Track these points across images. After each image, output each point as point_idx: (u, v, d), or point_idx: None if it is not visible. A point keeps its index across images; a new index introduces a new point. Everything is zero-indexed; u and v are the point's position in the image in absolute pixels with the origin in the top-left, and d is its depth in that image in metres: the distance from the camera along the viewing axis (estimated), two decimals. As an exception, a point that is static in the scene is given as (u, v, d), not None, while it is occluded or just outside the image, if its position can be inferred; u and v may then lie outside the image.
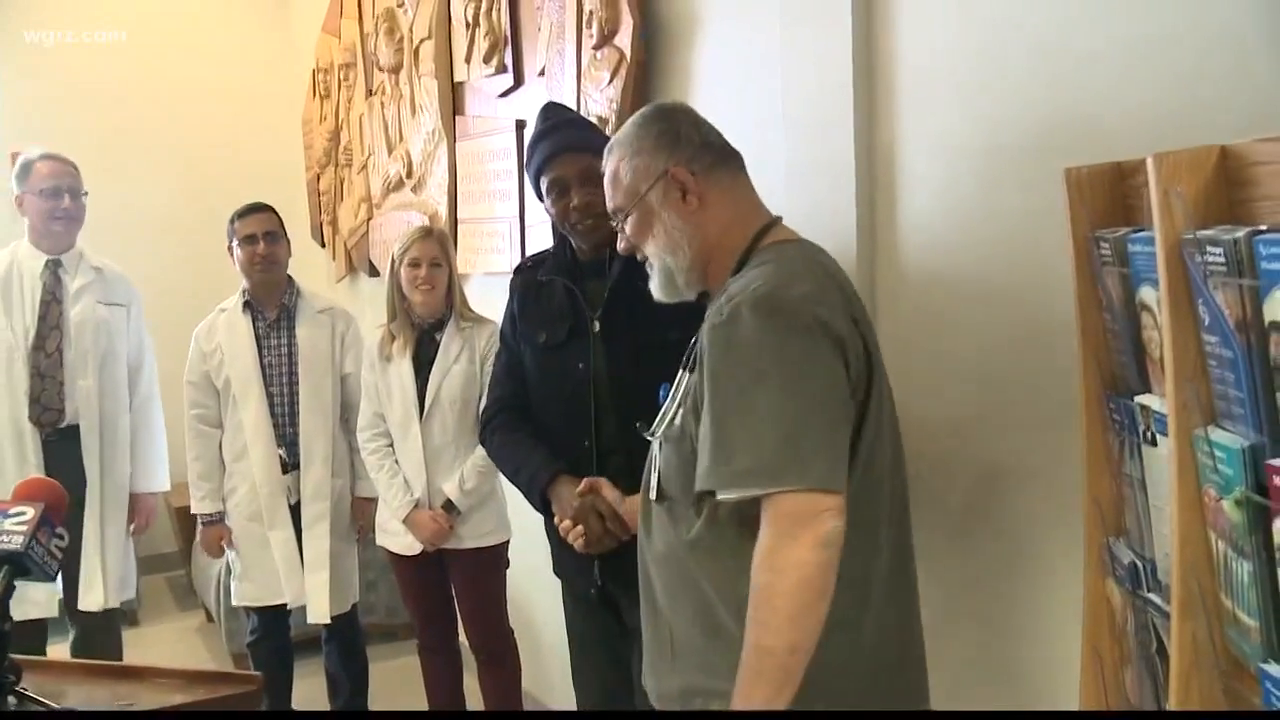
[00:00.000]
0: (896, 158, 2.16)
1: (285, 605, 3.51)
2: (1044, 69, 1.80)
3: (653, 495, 1.80)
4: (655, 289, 1.85)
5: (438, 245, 3.22)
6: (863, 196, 2.23)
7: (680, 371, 1.80)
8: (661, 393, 1.85)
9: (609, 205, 1.90)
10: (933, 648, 1.87)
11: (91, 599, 3.56)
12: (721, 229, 1.77)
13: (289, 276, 3.57)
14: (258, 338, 3.49)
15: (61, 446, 3.53)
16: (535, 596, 3.65)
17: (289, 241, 3.58)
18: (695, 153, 1.79)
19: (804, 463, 1.53)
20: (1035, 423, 1.89)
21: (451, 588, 3.32)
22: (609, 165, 1.87)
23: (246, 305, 3.51)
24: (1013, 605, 1.98)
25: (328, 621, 3.49)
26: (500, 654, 3.34)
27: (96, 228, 3.78)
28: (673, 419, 1.76)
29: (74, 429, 3.56)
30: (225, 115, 6.05)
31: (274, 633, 3.59)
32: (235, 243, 3.49)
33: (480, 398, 3.12)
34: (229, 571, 3.80)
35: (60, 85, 5.70)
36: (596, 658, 2.51)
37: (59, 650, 3.69)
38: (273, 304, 3.52)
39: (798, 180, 2.38)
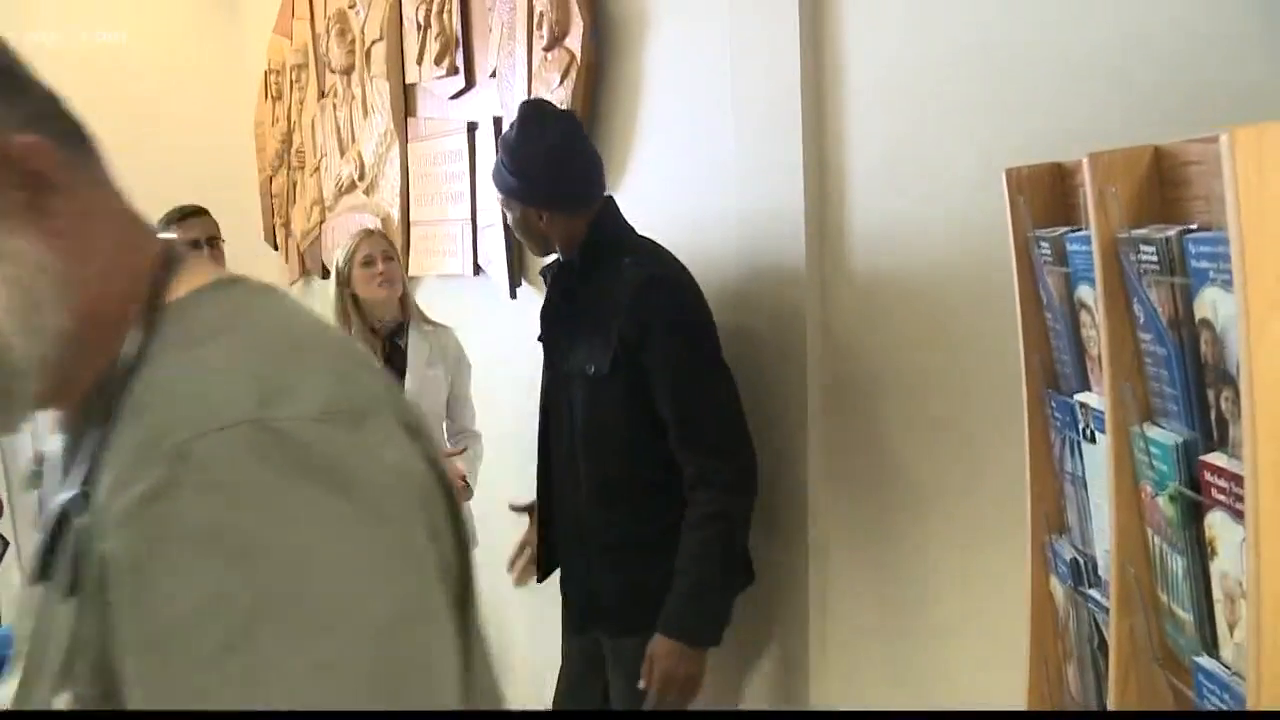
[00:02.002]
0: (846, 158, 2.17)
1: None
2: (993, 70, 1.81)
3: None
4: None
5: (384, 240, 3.19)
6: (812, 197, 2.23)
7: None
8: None
9: None
10: (877, 655, 1.88)
11: None
12: (103, 268, 0.85)
13: None
14: None
15: None
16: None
17: None
18: (44, 108, 0.87)
19: None
20: (979, 423, 1.90)
21: None
22: None
23: None
24: (960, 608, 2.00)
25: None
26: None
27: None
28: None
29: None
30: (173, 119, 5.97)
31: None
32: None
33: (449, 406, 3.14)
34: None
35: None
36: None
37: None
38: None
39: (748, 181, 2.39)
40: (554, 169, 2.30)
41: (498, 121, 3.36)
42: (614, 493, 2.32)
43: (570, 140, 2.34)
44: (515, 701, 1.03)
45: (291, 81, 5.34)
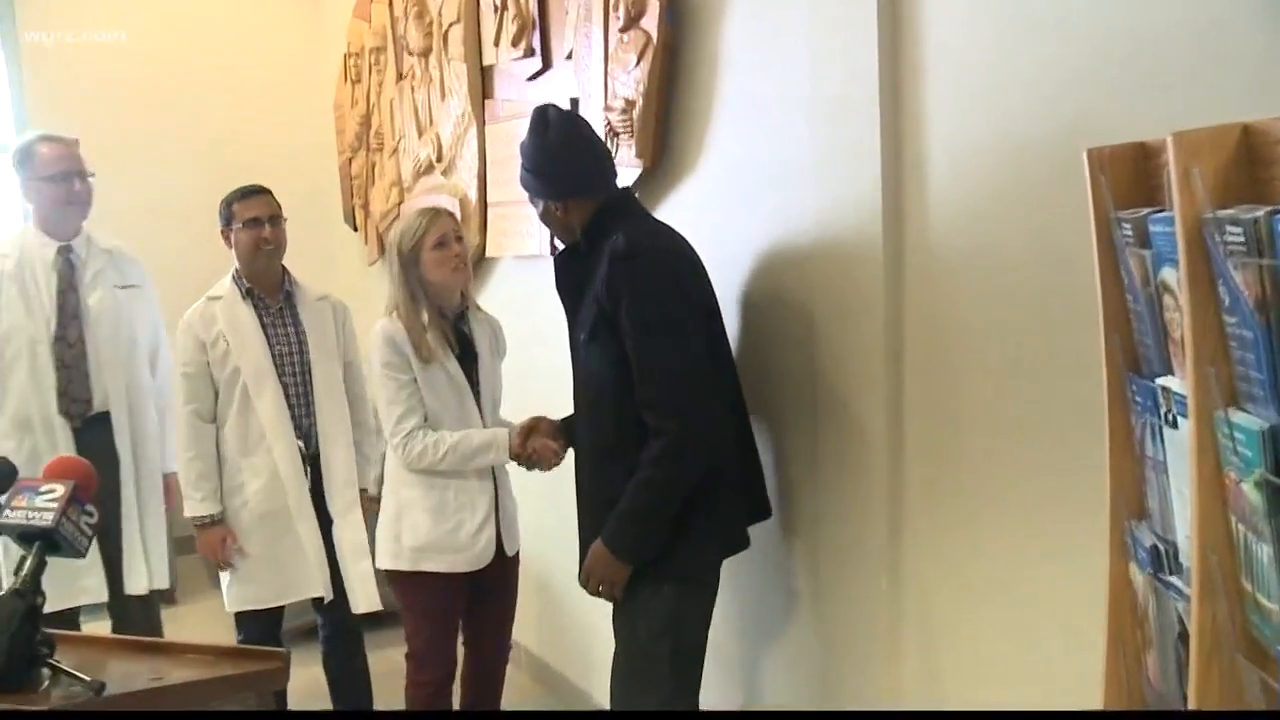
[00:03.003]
0: (923, 140, 2.15)
1: (283, 608, 3.41)
2: (1074, 47, 1.79)
3: None
4: None
5: (455, 220, 3.05)
6: (888, 180, 2.22)
7: None
8: None
9: None
10: (955, 641, 1.87)
11: (135, 582, 3.55)
12: None
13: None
14: (263, 326, 3.34)
15: (91, 434, 3.51)
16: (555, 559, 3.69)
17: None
18: None
19: None
20: (1059, 407, 1.88)
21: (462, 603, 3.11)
22: None
23: (248, 293, 3.35)
24: (1037, 593, 1.97)
25: (379, 609, 3.39)
26: (504, 660, 3.28)
27: (117, 217, 3.70)
28: None
29: (102, 416, 3.54)
30: (257, 101, 6.08)
31: (270, 638, 3.40)
32: (235, 226, 3.32)
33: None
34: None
35: (80, 75, 5.69)
36: None
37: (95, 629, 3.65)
38: (274, 291, 3.39)
39: (824, 164, 2.38)
40: (559, 164, 2.56)
41: (574, 103, 3.36)
42: (608, 453, 2.53)
43: (570, 138, 2.58)
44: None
45: (370, 64, 5.40)
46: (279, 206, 3.40)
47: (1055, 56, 1.82)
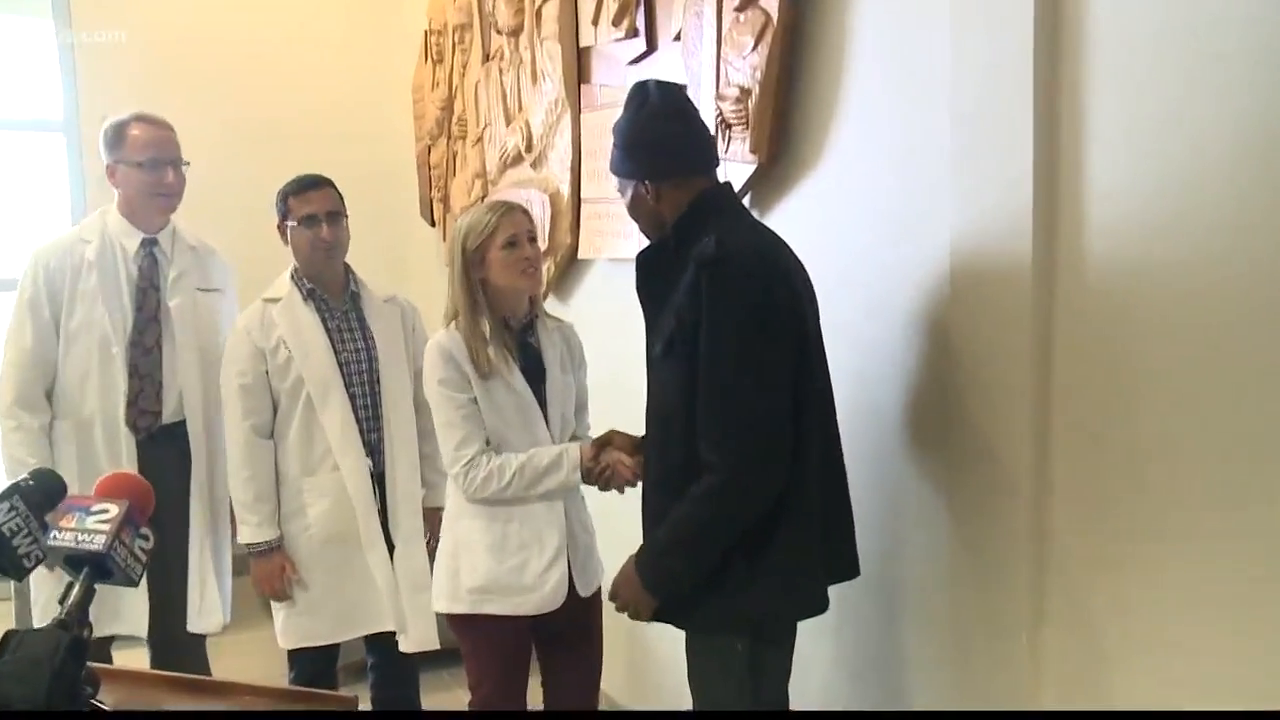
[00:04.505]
0: (1083, 132, 2.11)
1: (339, 646, 3.43)
2: (1260, 20, 1.74)
3: None
4: None
5: (529, 218, 3.02)
6: (1041, 179, 2.19)
7: None
8: None
9: None
10: (1101, 672, 1.83)
11: (208, 620, 3.56)
12: None
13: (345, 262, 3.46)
14: (326, 331, 3.36)
15: (156, 449, 3.54)
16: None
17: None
18: None
19: None
20: (1232, 431, 1.84)
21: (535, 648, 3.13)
22: None
23: (310, 294, 3.37)
24: (1199, 632, 1.93)
25: (436, 648, 3.40)
26: None
27: (187, 206, 3.74)
28: None
29: (169, 430, 3.56)
30: (328, 82, 6.18)
31: (325, 677, 3.45)
32: (291, 222, 3.34)
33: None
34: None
35: (130, 53, 5.83)
36: None
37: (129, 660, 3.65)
38: (338, 293, 3.41)
39: (966, 159, 2.35)
40: (656, 138, 2.52)
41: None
42: (672, 484, 2.45)
43: (673, 111, 2.53)
44: None
45: (454, 43, 5.45)
46: (341, 201, 3.40)
47: (1239, 26, 1.76)
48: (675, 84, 2.63)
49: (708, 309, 2.33)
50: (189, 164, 3.63)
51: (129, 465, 3.42)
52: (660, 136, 2.52)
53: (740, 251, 2.36)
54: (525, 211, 3.03)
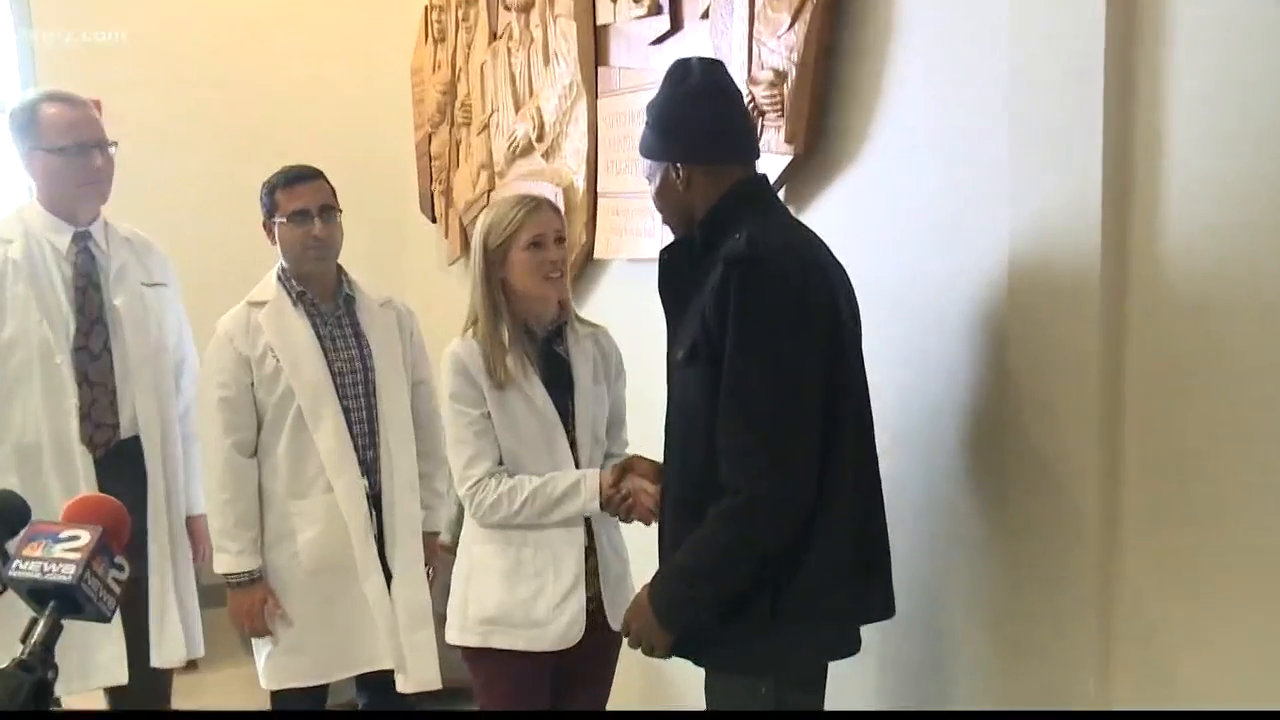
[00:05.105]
0: (1161, 121, 2.04)
1: (327, 686, 3.34)
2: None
3: None
4: None
5: (559, 217, 2.94)
6: (1110, 175, 2.11)
7: None
8: None
9: None
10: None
11: (169, 653, 3.43)
12: None
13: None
14: (319, 338, 3.27)
15: (114, 467, 3.36)
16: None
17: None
18: None
19: None
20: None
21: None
22: None
23: (299, 296, 3.28)
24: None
25: (438, 688, 3.31)
26: None
27: (132, 199, 3.60)
28: None
29: (127, 444, 3.41)
30: (312, 60, 6.05)
31: None
32: (279, 218, 3.24)
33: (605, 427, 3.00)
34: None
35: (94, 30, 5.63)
36: None
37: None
38: (330, 296, 3.32)
39: (1027, 149, 2.30)
40: (694, 115, 2.43)
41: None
42: (692, 503, 2.37)
43: (715, 89, 2.44)
44: None
45: (458, 20, 5.43)
46: (333, 194, 3.32)
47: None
48: (720, 62, 2.57)
49: (735, 311, 2.25)
50: (116, 144, 3.44)
51: (86, 490, 3.21)
52: (700, 116, 2.42)
53: (774, 250, 2.29)
54: (555, 208, 2.97)
